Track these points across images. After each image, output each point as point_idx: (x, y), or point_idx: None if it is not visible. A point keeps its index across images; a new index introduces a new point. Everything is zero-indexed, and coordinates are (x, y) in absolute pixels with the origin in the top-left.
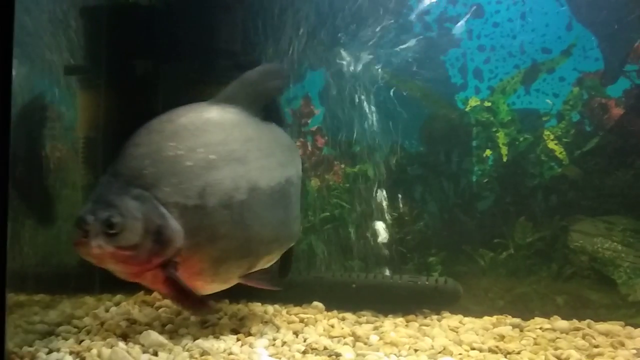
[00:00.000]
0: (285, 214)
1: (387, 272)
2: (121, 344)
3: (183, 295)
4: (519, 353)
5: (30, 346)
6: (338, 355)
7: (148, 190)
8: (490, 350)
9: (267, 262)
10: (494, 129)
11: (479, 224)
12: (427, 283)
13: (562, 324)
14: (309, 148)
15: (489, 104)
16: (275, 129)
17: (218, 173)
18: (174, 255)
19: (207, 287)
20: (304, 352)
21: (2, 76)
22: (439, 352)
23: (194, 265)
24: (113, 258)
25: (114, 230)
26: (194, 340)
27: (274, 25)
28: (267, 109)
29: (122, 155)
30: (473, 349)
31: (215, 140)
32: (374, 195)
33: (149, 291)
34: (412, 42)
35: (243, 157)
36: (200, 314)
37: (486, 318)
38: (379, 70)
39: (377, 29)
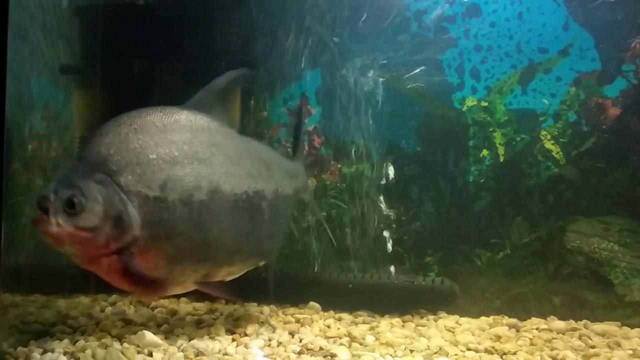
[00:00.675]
0: (252, 227)
1: (391, 269)
2: (116, 345)
3: (139, 283)
4: (515, 354)
5: (25, 346)
6: (333, 355)
7: (111, 177)
8: (487, 351)
9: (228, 273)
10: (491, 129)
11: (475, 224)
12: (423, 283)
13: (558, 324)
14: (306, 148)
15: (486, 103)
16: (253, 143)
17: (181, 169)
18: (131, 243)
19: (162, 290)
20: (300, 353)
21: None
22: (435, 353)
23: (149, 259)
24: (71, 238)
25: (74, 210)
26: (189, 340)
27: (270, 24)
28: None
29: (88, 142)
30: (469, 349)
31: (181, 139)
32: (370, 195)
33: None
34: (408, 42)
35: (207, 159)
36: (159, 294)
37: (483, 318)
38: (376, 69)
39: (375, 28)
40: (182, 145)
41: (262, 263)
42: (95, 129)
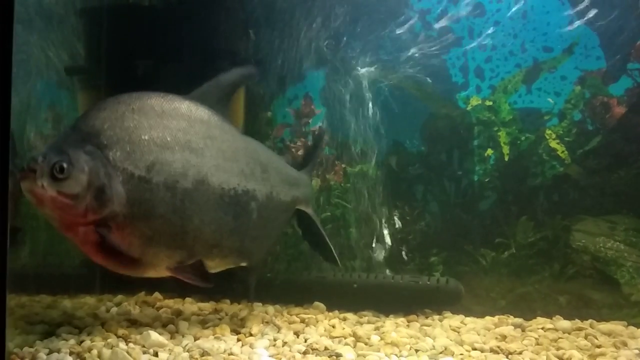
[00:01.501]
0: (236, 225)
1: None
2: (121, 345)
3: (111, 258)
4: (520, 353)
5: (31, 347)
6: (339, 355)
7: (101, 150)
8: (492, 351)
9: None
10: (496, 128)
11: (480, 223)
12: (428, 283)
13: (564, 323)
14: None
15: (491, 103)
16: (253, 144)
17: (170, 155)
18: (110, 218)
19: (134, 268)
20: (305, 353)
21: (2, 77)
22: (440, 353)
23: (125, 236)
24: (52, 202)
25: (60, 175)
26: (195, 340)
27: (275, 25)
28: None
29: (85, 114)
30: (474, 349)
31: (176, 126)
32: (375, 195)
33: (150, 291)
34: (413, 42)
35: (199, 150)
36: (130, 273)
37: (488, 318)
38: (381, 69)
39: (379, 29)
40: (177, 132)
41: (243, 264)
42: (95, 103)
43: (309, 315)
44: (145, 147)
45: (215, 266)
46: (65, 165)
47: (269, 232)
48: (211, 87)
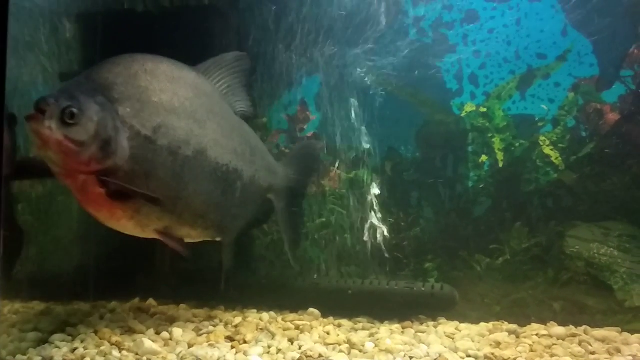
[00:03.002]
0: (222, 200)
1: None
2: (115, 352)
3: (105, 210)
4: None
5: (24, 354)
6: None
7: (112, 104)
8: (486, 357)
9: (187, 235)
10: (490, 135)
11: (475, 229)
12: (423, 289)
13: (558, 330)
14: None
15: (485, 109)
16: (245, 126)
17: (177, 121)
18: (112, 171)
19: (124, 223)
20: None
21: None
22: None
23: (123, 192)
24: (58, 146)
25: (70, 120)
26: (189, 348)
27: (269, 31)
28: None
29: (99, 66)
30: (469, 356)
31: (184, 94)
32: (370, 200)
33: (144, 298)
34: (407, 48)
35: (203, 122)
36: (119, 228)
37: (483, 324)
38: (375, 76)
39: (374, 35)
40: (184, 100)
41: (219, 239)
42: (110, 58)
43: (304, 322)
44: (154, 109)
45: (196, 236)
46: (76, 111)
47: (245, 212)
48: (215, 64)
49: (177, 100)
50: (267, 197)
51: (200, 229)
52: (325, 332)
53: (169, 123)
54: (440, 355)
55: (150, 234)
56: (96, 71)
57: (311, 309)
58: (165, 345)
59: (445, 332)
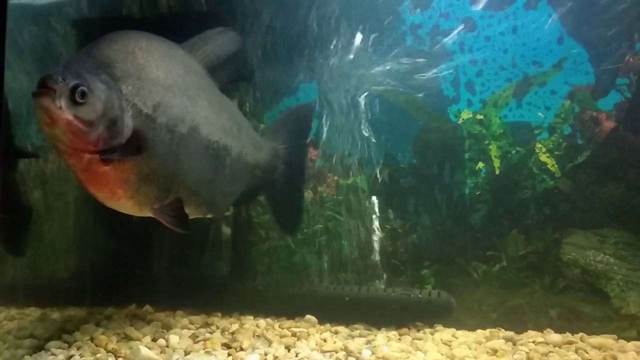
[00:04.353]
0: (213, 177)
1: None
2: None
3: (106, 189)
4: None
5: None
6: None
7: (115, 82)
8: None
9: None
10: (486, 142)
11: (471, 236)
12: (420, 296)
13: (555, 337)
14: None
15: (481, 116)
16: (230, 103)
17: (172, 98)
18: (116, 150)
19: (124, 202)
20: None
21: None
22: None
23: (125, 170)
24: (67, 125)
25: (80, 100)
26: (185, 355)
27: (266, 37)
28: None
29: (97, 43)
30: None
31: (176, 71)
32: (367, 207)
33: (140, 305)
34: (404, 56)
35: (194, 98)
36: (117, 208)
37: (479, 331)
38: (373, 83)
39: (371, 42)
40: (177, 77)
41: (209, 215)
42: (105, 35)
43: (301, 329)
44: (152, 87)
45: (189, 214)
46: (85, 90)
47: (234, 189)
48: (200, 40)
49: (171, 78)
50: (255, 173)
51: (193, 206)
52: (322, 339)
53: (167, 100)
54: None
55: (147, 213)
56: (96, 48)
57: (308, 316)
58: (161, 353)
59: (442, 339)
